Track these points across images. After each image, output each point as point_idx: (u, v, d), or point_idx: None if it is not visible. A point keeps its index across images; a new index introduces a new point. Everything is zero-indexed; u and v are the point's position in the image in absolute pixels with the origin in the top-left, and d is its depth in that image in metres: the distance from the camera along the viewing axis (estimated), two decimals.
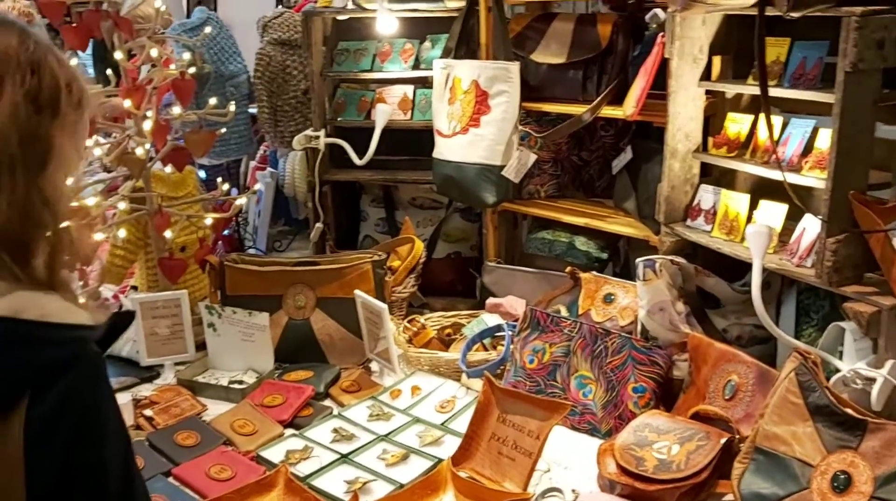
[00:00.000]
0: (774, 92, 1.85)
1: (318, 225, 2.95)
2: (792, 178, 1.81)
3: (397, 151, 2.94)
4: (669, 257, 2.01)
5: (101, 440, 0.90)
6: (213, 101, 2.44)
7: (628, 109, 2.19)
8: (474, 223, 2.95)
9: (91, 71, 4.62)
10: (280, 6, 3.65)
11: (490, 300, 2.43)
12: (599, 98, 2.35)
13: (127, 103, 2.26)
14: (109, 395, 0.93)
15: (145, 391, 2.19)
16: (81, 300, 1.02)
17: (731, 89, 2.10)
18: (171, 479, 1.79)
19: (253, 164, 3.84)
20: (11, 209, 0.90)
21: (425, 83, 2.87)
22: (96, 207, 2.31)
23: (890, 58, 1.65)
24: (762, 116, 1.87)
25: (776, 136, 1.87)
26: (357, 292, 2.27)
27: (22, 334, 0.86)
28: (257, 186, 3.54)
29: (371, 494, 1.71)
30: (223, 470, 1.79)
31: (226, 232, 3.32)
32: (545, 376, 2.01)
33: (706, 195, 2.09)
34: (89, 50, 3.90)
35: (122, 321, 0.98)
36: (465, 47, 2.60)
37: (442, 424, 1.98)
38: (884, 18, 1.63)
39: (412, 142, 2.91)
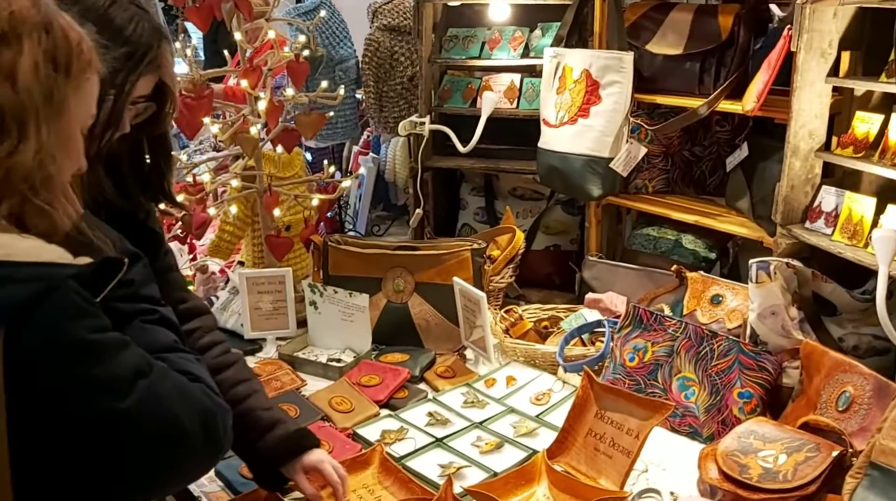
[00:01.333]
0: None
1: (418, 211, 2.96)
2: None
3: (501, 139, 2.92)
4: (785, 260, 1.92)
5: (83, 371, 0.92)
6: (324, 84, 2.48)
7: (748, 103, 2.11)
8: (575, 216, 2.90)
9: (202, 54, 4.80)
10: None
11: (590, 295, 2.39)
12: (717, 91, 2.27)
13: (244, 83, 2.33)
14: (91, 328, 0.94)
15: (248, 362, 2.25)
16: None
17: (862, 86, 1.99)
18: None
19: (356, 148, 3.91)
20: (37, 155, 0.93)
21: (533, 72, 2.84)
22: (210, 183, 2.39)
23: None
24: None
25: None
26: (455, 279, 2.27)
27: None
28: (360, 171, 3.61)
29: (464, 480, 1.71)
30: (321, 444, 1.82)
31: (328, 214, 3.39)
32: (646, 375, 1.96)
33: (828, 197, 1.99)
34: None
35: (109, 263, 0.99)
36: (576, 36, 2.56)
37: (537, 416, 1.96)
38: None
39: (516, 131, 2.88)
